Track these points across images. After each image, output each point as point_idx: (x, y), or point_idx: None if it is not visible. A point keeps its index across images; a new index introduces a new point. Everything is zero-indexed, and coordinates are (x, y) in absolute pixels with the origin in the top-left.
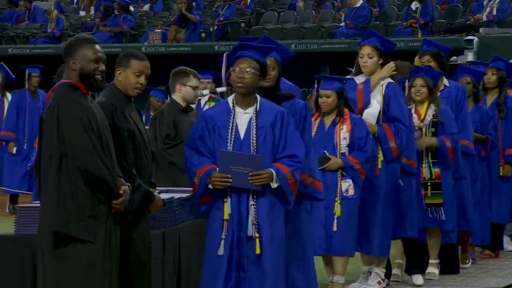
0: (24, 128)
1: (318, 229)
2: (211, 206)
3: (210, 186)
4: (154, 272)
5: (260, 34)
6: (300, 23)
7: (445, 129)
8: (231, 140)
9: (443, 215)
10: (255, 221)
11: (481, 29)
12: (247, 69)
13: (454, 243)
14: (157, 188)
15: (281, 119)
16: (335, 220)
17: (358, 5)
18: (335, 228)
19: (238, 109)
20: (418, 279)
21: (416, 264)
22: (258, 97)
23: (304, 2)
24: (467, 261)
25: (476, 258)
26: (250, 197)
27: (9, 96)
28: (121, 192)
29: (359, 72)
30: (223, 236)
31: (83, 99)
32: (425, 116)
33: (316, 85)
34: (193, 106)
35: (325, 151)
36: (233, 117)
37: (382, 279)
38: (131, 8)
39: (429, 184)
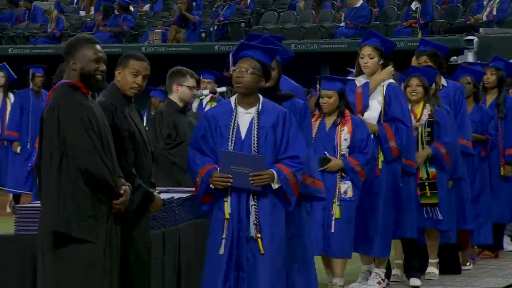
0: (27, 128)
1: (315, 229)
2: (213, 206)
3: (211, 186)
4: (154, 272)
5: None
6: (300, 23)
7: (440, 128)
8: (232, 140)
9: (439, 215)
10: (255, 222)
11: (481, 29)
12: (247, 69)
13: (453, 243)
14: (157, 188)
15: (283, 119)
16: (333, 222)
17: (358, 5)
18: (333, 230)
19: (240, 109)
20: (415, 281)
21: (414, 266)
22: (261, 97)
23: (304, 2)
24: (468, 263)
25: (476, 258)
26: (251, 198)
27: (11, 96)
28: (122, 192)
29: (360, 72)
30: (224, 236)
31: (83, 99)
32: (421, 116)
33: (318, 86)
34: (195, 106)
35: (326, 152)
36: (235, 117)
37: (382, 279)
38: (131, 8)
39: (426, 184)
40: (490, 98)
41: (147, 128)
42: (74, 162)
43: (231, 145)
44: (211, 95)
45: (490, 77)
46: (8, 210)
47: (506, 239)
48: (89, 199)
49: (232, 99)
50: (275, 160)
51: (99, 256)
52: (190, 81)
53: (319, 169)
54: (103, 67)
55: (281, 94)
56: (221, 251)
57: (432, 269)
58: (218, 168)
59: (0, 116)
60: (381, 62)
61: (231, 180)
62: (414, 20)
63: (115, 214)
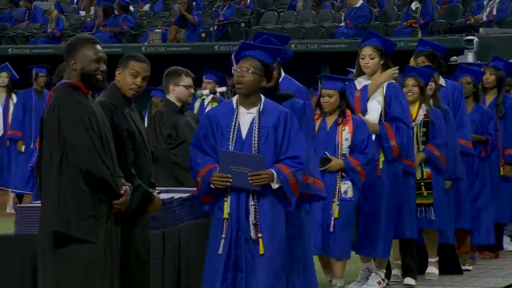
0: (30, 128)
1: (314, 229)
2: (213, 206)
3: (211, 185)
4: (154, 272)
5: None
6: (300, 23)
7: (435, 129)
8: (233, 139)
9: (432, 215)
10: (255, 222)
11: (481, 29)
12: (248, 69)
13: (452, 243)
14: (157, 188)
15: (285, 120)
16: (333, 222)
17: (358, 5)
18: (331, 229)
19: (242, 109)
20: (409, 280)
21: (410, 266)
22: (263, 97)
23: (302, 2)
24: (467, 264)
25: (476, 258)
26: (251, 198)
27: (13, 96)
28: (122, 192)
29: (360, 73)
30: (223, 236)
31: (84, 99)
32: (416, 116)
33: (319, 85)
34: (196, 106)
35: (326, 152)
36: (236, 117)
37: (382, 279)
38: (131, 8)
39: (422, 184)
40: (489, 98)
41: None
42: (74, 162)
43: (232, 145)
44: (212, 95)
45: (489, 77)
46: (8, 210)
47: (506, 239)
48: (89, 199)
49: (234, 99)
50: (275, 160)
51: (99, 256)
52: (186, 80)
53: (320, 168)
54: (103, 67)
55: (281, 94)
56: (220, 251)
57: (432, 269)
58: (218, 168)
59: (3, 116)
60: (381, 62)
61: (230, 180)
62: (414, 20)
63: (115, 214)
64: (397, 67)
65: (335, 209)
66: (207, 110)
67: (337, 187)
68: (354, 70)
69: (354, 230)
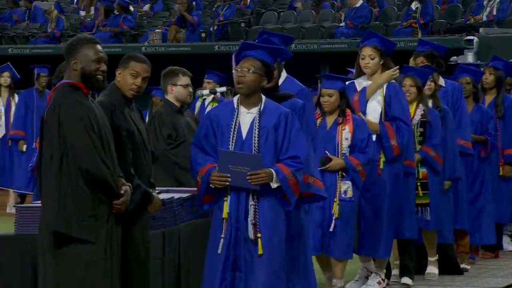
0: (32, 128)
1: (312, 229)
2: (213, 205)
3: (211, 185)
4: (154, 272)
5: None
6: (300, 23)
7: (432, 129)
8: (233, 139)
9: (428, 215)
10: (254, 222)
11: (481, 29)
12: (249, 69)
13: (451, 243)
14: (157, 188)
15: (285, 120)
16: (334, 222)
17: (358, 5)
18: (331, 229)
19: (242, 109)
20: (406, 280)
21: (407, 266)
22: (264, 97)
23: (301, 3)
24: (466, 263)
25: (476, 258)
26: (251, 197)
27: (15, 96)
28: (122, 192)
29: (360, 73)
30: (222, 235)
31: (84, 99)
32: (413, 116)
33: (319, 84)
34: (198, 106)
35: (327, 152)
36: (237, 117)
37: (382, 279)
38: (131, 8)
39: (418, 184)
40: (489, 98)
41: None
42: (74, 162)
43: (232, 145)
44: (212, 95)
45: (488, 77)
46: (9, 210)
47: (506, 239)
48: (89, 199)
49: (235, 99)
50: (276, 160)
51: (100, 256)
52: (183, 80)
53: (321, 168)
54: (104, 67)
55: (281, 94)
56: (219, 250)
57: (432, 269)
58: (217, 168)
59: (5, 115)
60: (381, 62)
61: (229, 180)
62: (414, 20)
63: (115, 214)
64: (397, 67)
65: (336, 209)
66: (207, 110)
67: (338, 186)
68: (354, 70)
69: (356, 230)
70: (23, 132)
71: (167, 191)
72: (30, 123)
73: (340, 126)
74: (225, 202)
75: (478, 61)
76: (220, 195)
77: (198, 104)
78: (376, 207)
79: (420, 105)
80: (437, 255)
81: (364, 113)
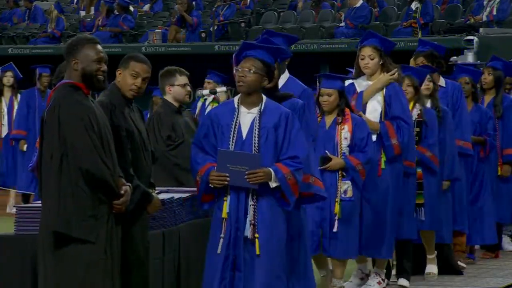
0: (34, 128)
1: (311, 229)
2: (213, 205)
3: (210, 184)
4: (154, 272)
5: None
6: (300, 23)
7: (428, 129)
8: (233, 139)
9: (422, 215)
10: (253, 222)
11: (481, 29)
12: (250, 69)
13: (449, 243)
14: (157, 188)
15: (285, 120)
16: (336, 222)
17: (358, 5)
18: (335, 229)
19: (243, 109)
20: (403, 281)
21: (404, 267)
22: (264, 97)
23: (302, 2)
24: (462, 261)
25: (476, 258)
26: (250, 197)
27: (18, 96)
28: (122, 192)
29: (359, 73)
30: (222, 235)
31: (84, 99)
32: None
33: (317, 84)
34: (199, 105)
35: (327, 151)
36: (237, 117)
37: (382, 279)
38: (131, 8)
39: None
40: (488, 98)
41: None
42: (74, 162)
43: (232, 145)
44: (212, 95)
45: (487, 77)
46: (9, 210)
47: (506, 239)
48: (90, 199)
49: (236, 99)
50: (276, 160)
51: (100, 256)
52: (181, 79)
53: (320, 167)
54: (104, 67)
55: (280, 94)
56: (219, 250)
57: (431, 268)
58: (215, 167)
59: (8, 115)
60: (381, 62)
61: (228, 179)
62: (414, 20)
63: (115, 214)
64: (395, 70)
65: (338, 209)
66: (207, 110)
67: (338, 186)
68: (354, 72)
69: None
70: (24, 132)
71: (167, 191)
72: (32, 123)
73: (339, 125)
74: (224, 202)
75: (478, 61)
76: (220, 195)
77: (199, 104)
78: (378, 208)
79: (417, 104)
80: (436, 251)
81: (364, 113)
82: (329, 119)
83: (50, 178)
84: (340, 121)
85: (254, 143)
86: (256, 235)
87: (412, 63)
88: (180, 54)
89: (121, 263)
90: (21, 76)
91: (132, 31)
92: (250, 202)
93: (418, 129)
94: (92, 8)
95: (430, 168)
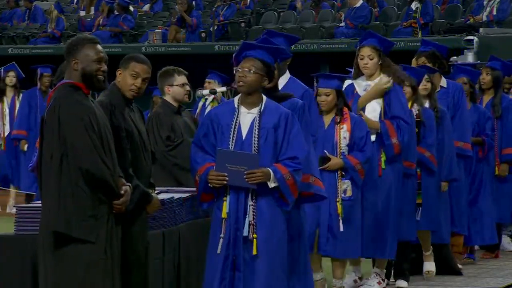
0: (35, 128)
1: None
2: (212, 205)
3: (209, 184)
4: (154, 272)
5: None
6: (300, 23)
7: (426, 129)
8: (233, 139)
9: (419, 215)
10: (252, 222)
11: (481, 29)
12: (250, 69)
13: (447, 243)
14: (157, 188)
15: (285, 121)
16: (340, 221)
17: (358, 5)
18: (341, 229)
19: (243, 109)
20: (401, 283)
21: (402, 269)
22: (264, 98)
23: (301, 3)
24: (459, 262)
25: (476, 258)
26: (250, 197)
27: (20, 96)
28: (122, 192)
29: (358, 74)
30: (222, 235)
31: (84, 99)
32: None
33: (315, 84)
34: (200, 105)
35: (326, 151)
36: (237, 117)
37: (382, 279)
38: (131, 8)
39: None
40: (486, 98)
41: None
42: (74, 162)
43: (232, 145)
44: (212, 95)
45: (485, 78)
46: (9, 210)
47: (506, 239)
48: (89, 199)
49: (236, 99)
50: (275, 161)
51: (100, 256)
52: (179, 79)
53: (320, 167)
54: (104, 67)
55: (280, 94)
56: (219, 250)
57: (428, 266)
58: (214, 167)
59: (10, 115)
60: (380, 62)
61: (226, 179)
62: (414, 20)
63: (115, 214)
64: (389, 79)
65: (340, 208)
66: (207, 110)
67: (339, 186)
68: (353, 72)
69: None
70: (25, 132)
71: (167, 191)
72: (33, 123)
73: (338, 125)
74: (224, 202)
75: (478, 61)
76: (219, 195)
77: (200, 104)
78: (380, 208)
79: (415, 105)
80: (431, 247)
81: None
82: (327, 119)
83: (50, 178)
84: (338, 120)
85: (254, 143)
86: (254, 235)
87: (414, 63)
88: (180, 54)
89: (121, 263)
90: (23, 75)
91: (132, 31)
92: (250, 202)
93: (416, 130)
94: (92, 8)
95: (428, 168)
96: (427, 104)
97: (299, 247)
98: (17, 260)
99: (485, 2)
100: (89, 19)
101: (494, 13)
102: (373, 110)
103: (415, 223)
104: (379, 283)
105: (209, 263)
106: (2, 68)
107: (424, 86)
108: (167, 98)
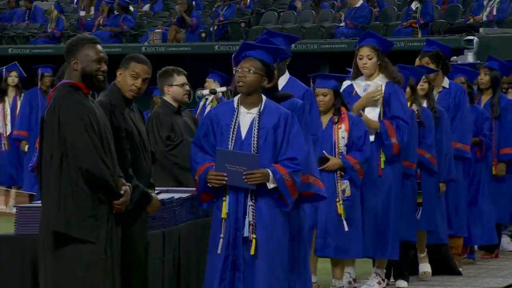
0: (36, 128)
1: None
2: (212, 205)
3: (208, 184)
4: (154, 272)
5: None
6: (300, 23)
7: (425, 130)
8: (232, 139)
9: (419, 214)
10: (252, 222)
11: (481, 29)
12: (249, 69)
13: (445, 243)
14: (157, 188)
15: (285, 121)
16: (344, 222)
17: (358, 5)
18: (346, 228)
19: (242, 109)
20: (401, 283)
21: (402, 269)
22: (264, 98)
23: (301, 3)
24: (459, 265)
25: (476, 258)
26: (249, 197)
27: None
28: (122, 192)
29: (357, 73)
30: (221, 236)
31: (84, 99)
32: None
33: (312, 84)
34: (201, 105)
35: (324, 151)
36: (236, 117)
37: (382, 279)
38: (131, 8)
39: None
40: (485, 99)
41: None
42: (74, 162)
43: (231, 145)
44: (212, 95)
45: (483, 78)
46: (9, 210)
47: (506, 239)
48: (90, 199)
49: (235, 99)
50: (274, 161)
51: (100, 256)
52: (178, 79)
53: (319, 168)
54: (104, 67)
55: (280, 94)
56: (219, 251)
57: (424, 267)
58: (214, 166)
59: (11, 115)
60: (378, 62)
61: (225, 179)
62: (414, 20)
63: (115, 215)
64: (379, 90)
65: (341, 209)
66: (207, 110)
67: (338, 186)
68: (351, 72)
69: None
70: (26, 132)
71: (167, 191)
72: (34, 123)
73: (336, 125)
74: (223, 202)
75: (478, 61)
76: (219, 195)
77: (201, 104)
78: (380, 208)
79: (414, 105)
80: (426, 249)
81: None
82: (325, 119)
83: (50, 178)
84: (336, 120)
85: (253, 143)
86: (253, 235)
87: (417, 62)
88: (180, 54)
89: (121, 263)
90: (25, 75)
91: (132, 31)
92: (249, 203)
93: None
94: (92, 8)
95: (429, 168)
96: (424, 104)
97: (299, 246)
98: (17, 260)
99: (485, 2)
100: (89, 19)
101: (494, 13)
102: (372, 110)
103: (415, 223)
104: (379, 283)
105: (209, 263)
106: (4, 67)
107: (421, 86)
108: (167, 98)
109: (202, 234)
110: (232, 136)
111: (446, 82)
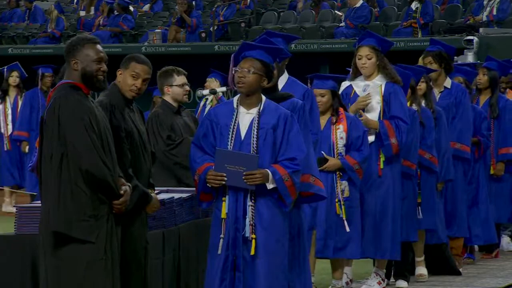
0: (37, 128)
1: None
2: (212, 205)
3: (208, 184)
4: (154, 272)
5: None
6: (300, 23)
7: (425, 130)
8: (232, 139)
9: (420, 214)
10: (252, 222)
11: (481, 29)
12: (249, 69)
13: (445, 242)
14: (157, 188)
15: (284, 121)
16: (345, 222)
17: (358, 5)
18: (348, 229)
19: (242, 109)
20: (401, 283)
21: (401, 270)
22: (264, 98)
23: (302, 3)
24: (459, 265)
25: (476, 258)
26: (249, 198)
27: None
28: (122, 192)
29: (356, 73)
30: (222, 236)
31: (84, 99)
32: None
33: (309, 85)
34: (201, 105)
35: (323, 152)
36: (236, 117)
37: (382, 279)
38: (131, 8)
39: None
40: (483, 99)
41: None
42: (74, 162)
43: (231, 145)
44: (212, 95)
45: (482, 78)
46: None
47: (506, 239)
48: (89, 199)
49: (235, 99)
50: (274, 161)
51: (99, 256)
52: (178, 79)
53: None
54: (104, 67)
55: (280, 94)
56: (219, 251)
57: (420, 270)
58: (213, 166)
59: (12, 115)
60: (377, 62)
61: (225, 179)
62: (414, 20)
63: (115, 215)
64: (368, 95)
65: (342, 209)
66: (207, 110)
67: (338, 186)
68: (351, 72)
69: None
70: (26, 133)
71: (167, 191)
72: (35, 123)
73: (334, 125)
74: (223, 202)
75: (478, 61)
76: (218, 195)
77: (201, 104)
78: (380, 208)
79: (413, 105)
80: (424, 254)
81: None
82: (323, 120)
83: (50, 178)
84: (334, 121)
85: (253, 143)
86: (253, 235)
87: (420, 62)
88: (180, 54)
89: (121, 263)
90: (26, 75)
91: (132, 31)
92: (249, 203)
93: None
94: (92, 8)
95: (429, 168)
96: (423, 104)
97: (299, 246)
98: (17, 260)
99: (485, 2)
100: (89, 19)
101: (494, 13)
102: (373, 109)
103: (415, 223)
104: (379, 283)
105: (209, 264)
106: (5, 67)
107: (418, 86)
108: (167, 98)
109: (202, 234)
110: (232, 136)
111: (448, 82)
